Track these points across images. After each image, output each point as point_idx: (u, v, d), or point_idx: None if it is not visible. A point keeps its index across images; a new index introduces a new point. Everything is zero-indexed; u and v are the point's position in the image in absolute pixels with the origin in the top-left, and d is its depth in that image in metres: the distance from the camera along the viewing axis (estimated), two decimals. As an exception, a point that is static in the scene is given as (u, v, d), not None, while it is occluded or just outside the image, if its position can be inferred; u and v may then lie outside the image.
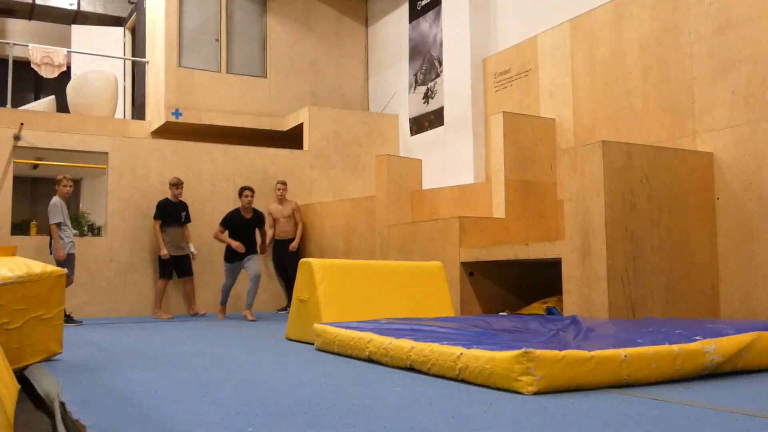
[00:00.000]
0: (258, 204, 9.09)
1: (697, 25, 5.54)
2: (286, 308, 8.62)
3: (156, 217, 8.15)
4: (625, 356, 2.79)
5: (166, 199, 8.24)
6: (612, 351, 2.81)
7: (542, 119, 6.91)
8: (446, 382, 3.02)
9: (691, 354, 2.93)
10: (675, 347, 2.92)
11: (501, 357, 2.75)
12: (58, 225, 6.99)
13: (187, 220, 8.32)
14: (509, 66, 7.73)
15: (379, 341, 3.60)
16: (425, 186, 8.34)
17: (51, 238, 7.05)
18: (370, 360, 3.67)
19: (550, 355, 2.68)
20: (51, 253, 7.03)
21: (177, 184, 8.18)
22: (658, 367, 2.85)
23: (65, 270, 3.96)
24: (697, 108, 5.51)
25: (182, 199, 8.36)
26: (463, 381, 2.96)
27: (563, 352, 2.71)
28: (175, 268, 8.20)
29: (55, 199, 7.07)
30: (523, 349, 2.68)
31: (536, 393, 2.62)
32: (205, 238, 8.63)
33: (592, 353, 2.76)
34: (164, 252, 8.04)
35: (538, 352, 2.67)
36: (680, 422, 2.18)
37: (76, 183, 12.92)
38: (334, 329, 4.13)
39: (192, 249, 8.30)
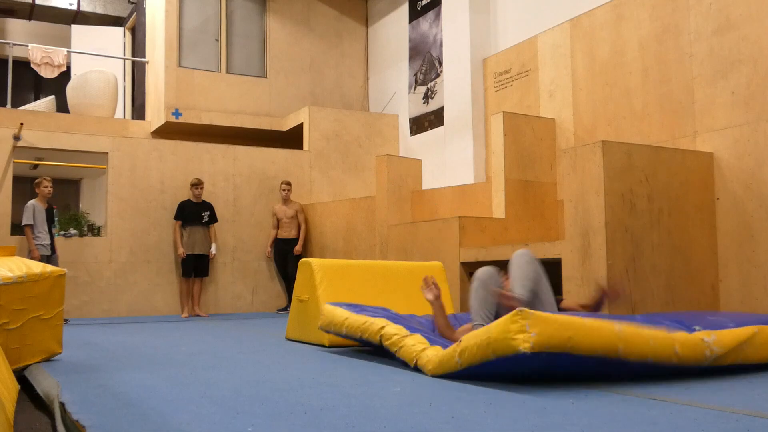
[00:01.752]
0: (260, 204, 9.11)
1: (697, 25, 5.54)
2: (286, 308, 8.62)
3: (175, 217, 8.31)
4: (620, 329, 2.83)
5: (187, 199, 8.37)
6: (606, 321, 2.89)
7: (542, 119, 6.91)
8: (446, 382, 3.02)
9: (688, 341, 2.96)
10: (671, 332, 2.97)
11: (497, 323, 2.82)
12: (31, 227, 7.09)
13: (212, 220, 8.38)
14: (509, 66, 7.73)
15: (394, 329, 3.59)
16: (425, 186, 8.34)
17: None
18: (381, 345, 3.63)
19: (545, 315, 2.74)
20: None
21: (195, 184, 8.28)
22: (655, 346, 2.87)
23: (65, 270, 3.96)
24: (697, 108, 5.51)
25: (211, 197, 8.57)
26: (462, 373, 2.98)
27: (557, 315, 2.78)
28: (193, 267, 8.29)
29: (31, 202, 7.22)
30: (517, 309, 2.73)
31: (532, 349, 2.64)
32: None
33: (587, 319, 2.83)
34: (180, 251, 8.17)
35: (533, 312, 2.72)
36: (680, 422, 2.18)
37: (77, 183, 12.93)
38: (343, 311, 4.07)
39: (212, 249, 8.35)
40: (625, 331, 2.83)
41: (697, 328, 3.10)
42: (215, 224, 8.47)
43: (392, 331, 3.59)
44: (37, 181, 7.31)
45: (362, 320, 3.84)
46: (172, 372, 3.42)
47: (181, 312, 8.27)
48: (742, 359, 3.13)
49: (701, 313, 3.93)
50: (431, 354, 3.24)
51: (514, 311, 2.73)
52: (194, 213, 8.30)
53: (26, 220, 7.12)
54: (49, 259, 7.19)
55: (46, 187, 7.28)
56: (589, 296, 4.18)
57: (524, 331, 2.67)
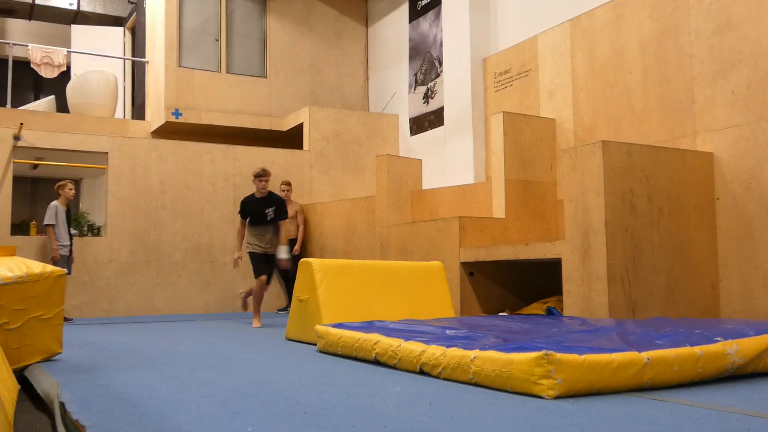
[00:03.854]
0: (258, 204, 9.08)
1: (697, 25, 5.54)
2: (286, 308, 8.62)
3: (239, 212, 6.80)
4: (648, 359, 2.73)
5: (251, 194, 6.77)
6: (634, 354, 2.75)
7: (542, 119, 6.91)
8: (445, 382, 3.01)
9: (713, 356, 2.89)
10: (697, 349, 2.88)
11: (519, 360, 2.66)
12: (53, 227, 7.18)
13: (278, 216, 6.66)
14: (509, 66, 7.73)
15: (387, 343, 3.54)
16: (425, 186, 8.34)
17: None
18: (377, 362, 3.62)
19: (571, 359, 2.61)
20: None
21: (259, 175, 6.60)
22: (681, 370, 2.80)
23: (65, 270, 3.96)
24: (697, 108, 5.50)
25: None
26: (476, 385, 2.90)
27: (584, 356, 2.65)
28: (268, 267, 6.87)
29: (54, 203, 7.30)
30: (543, 351, 2.59)
31: (557, 397, 2.56)
32: (204, 237, 8.63)
33: (614, 356, 2.70)
34: (235, 256, 6.81)
35: (559, 355, 2.60)
36: (680, 422, 2.18)
37: (76, 183, 12.94)
38: (337, 331, 4.10)
39: (279, 253, 6.70)
40: (653, 360, 2.74)
41: (718, 339, 3.05)
42: (285, 222, 6.81)
43: (386, 343, 3.53)
44: (60, 183, 7.40)
45: (356, 337, 3.82)
46: (172, 372, 3.42)
47: (253, 319, 6.79)
48: (762, 367, 3.09)
49: (718, 320, 3.89)
50: (437, 354, 3.13)
51: (541, 353, 2.58)
52: (257, 210, 6.64)
53: (49, 220, 7.20)
54: (68, 260, 7.30)
55: (71, 190, 7.42)
56: None
57: (549, 377, 2.55)
